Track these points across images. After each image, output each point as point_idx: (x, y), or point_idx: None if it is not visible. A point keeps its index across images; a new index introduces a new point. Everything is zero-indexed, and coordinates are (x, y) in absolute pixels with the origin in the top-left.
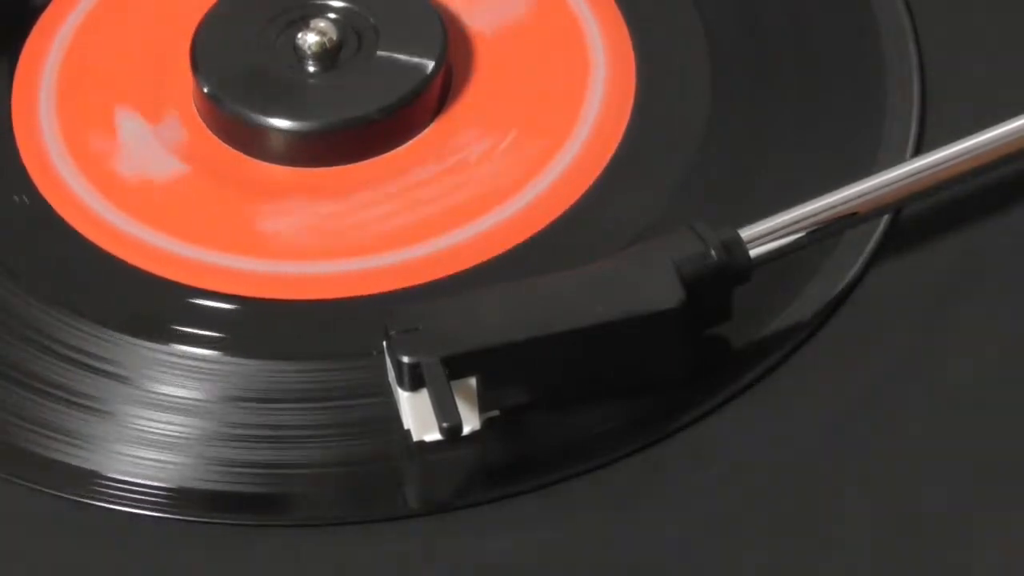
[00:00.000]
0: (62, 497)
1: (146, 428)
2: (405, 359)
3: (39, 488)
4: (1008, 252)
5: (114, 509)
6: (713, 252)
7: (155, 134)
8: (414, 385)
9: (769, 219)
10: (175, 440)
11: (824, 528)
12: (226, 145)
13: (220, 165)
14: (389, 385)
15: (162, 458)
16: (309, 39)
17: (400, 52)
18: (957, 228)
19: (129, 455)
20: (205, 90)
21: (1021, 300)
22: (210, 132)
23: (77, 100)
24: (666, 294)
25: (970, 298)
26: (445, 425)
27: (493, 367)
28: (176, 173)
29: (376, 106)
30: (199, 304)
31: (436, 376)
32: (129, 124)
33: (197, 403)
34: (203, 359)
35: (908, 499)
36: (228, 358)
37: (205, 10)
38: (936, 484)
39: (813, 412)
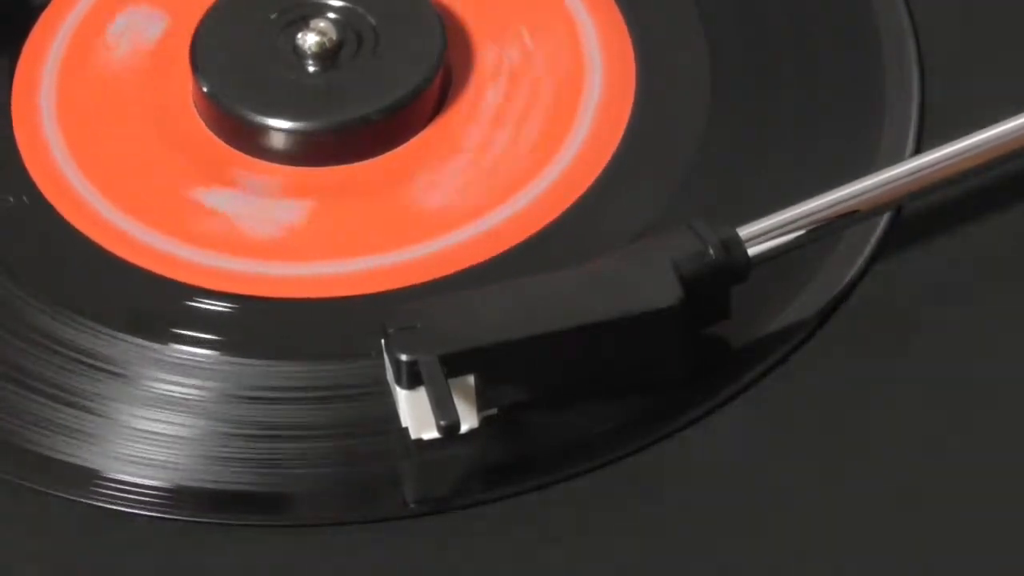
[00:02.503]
0: (62, 497)
1: (146, 428)
2: (403, 357)
3: (39, 488)
4: (1008, 252)
5: (113, 509)
6: (712, 251)
7: None
8: (412, 383)
9: (768, 217)
10: (174, 440)
11: (824, 528)
12: (225, 145)
13: (219, 165)
14: (387, 384)
15: (161, 458)
16: (309, 39)
17: (400, 52)
18: (957, 228)
19: (128, 455)
20: (205, 90)
21: (1021, 300)
22: (209, 132)
23: (79, 99)
24: (665, 293)
25: (970, 298)
26: (443, 423)
27: (491, 365)
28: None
29: (376, 106)
30: (199, 304)
31: (434, 374)
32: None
33: (196, 403)
34: (202, 359)
35: (907, 499)
36: (227, 358)
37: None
38: (936, 484)
39: (813, 412)
